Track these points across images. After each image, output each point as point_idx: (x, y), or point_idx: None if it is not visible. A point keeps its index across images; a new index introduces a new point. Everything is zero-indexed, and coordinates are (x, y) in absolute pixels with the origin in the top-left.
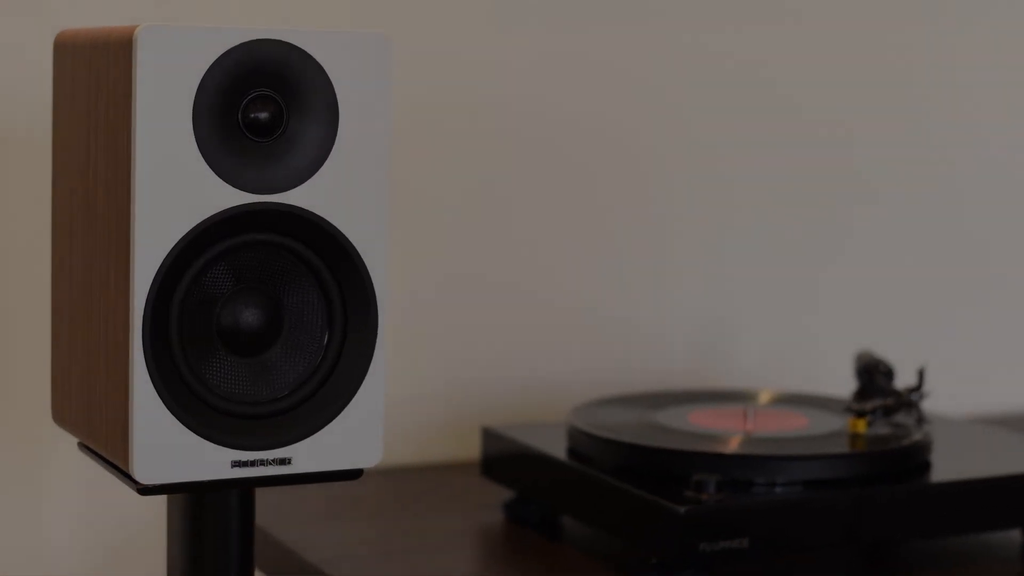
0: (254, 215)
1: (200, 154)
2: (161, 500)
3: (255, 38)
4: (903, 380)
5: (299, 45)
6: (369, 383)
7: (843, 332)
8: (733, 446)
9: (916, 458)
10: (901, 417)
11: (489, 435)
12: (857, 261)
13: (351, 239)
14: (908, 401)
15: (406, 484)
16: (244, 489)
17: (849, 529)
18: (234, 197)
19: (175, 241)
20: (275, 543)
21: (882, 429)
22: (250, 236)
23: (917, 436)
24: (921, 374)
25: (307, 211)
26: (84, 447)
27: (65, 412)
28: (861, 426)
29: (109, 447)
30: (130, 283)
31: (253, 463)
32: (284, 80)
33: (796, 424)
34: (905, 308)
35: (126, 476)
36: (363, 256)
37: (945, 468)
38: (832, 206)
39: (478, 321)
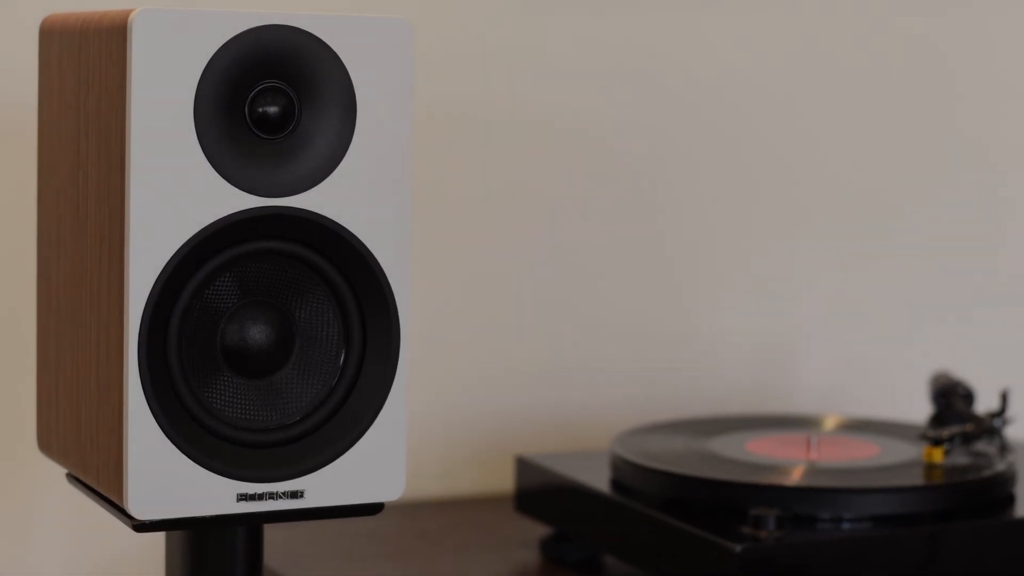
0: (262, 220)
1: (202, 153)
2: (159, 538)
3: (264, 23)
4: (984, 404)
5: (313, 31)
6: (390, 407)
7: (917, 351)
8: (795, 478)
9: (999, 490)
10: (982, 445)
11: (523, 465)
12: (931, 275)
13: (370, 247)
14: (990, 427)
15: (431, 519)
16: (251, 525)
17: (924, 570)
18: (240, 200)
19: (174, 250)
20: None
21: (961, 458)
22: (258, 244)
23: (1000, 466)
24: (1004, 397)
25: (321, 216)
26: (73, 478)
27: (52, 440)
28: (938, 455)
29: (101, 478)
30: (124, 296)
31: (261, 496)
32: (296, 70)
33: (865, 453)
34: (985, 325)
35: (120, 511)
36: (383, 266)
37: None
38: (906, 215)
39: (511, 338)
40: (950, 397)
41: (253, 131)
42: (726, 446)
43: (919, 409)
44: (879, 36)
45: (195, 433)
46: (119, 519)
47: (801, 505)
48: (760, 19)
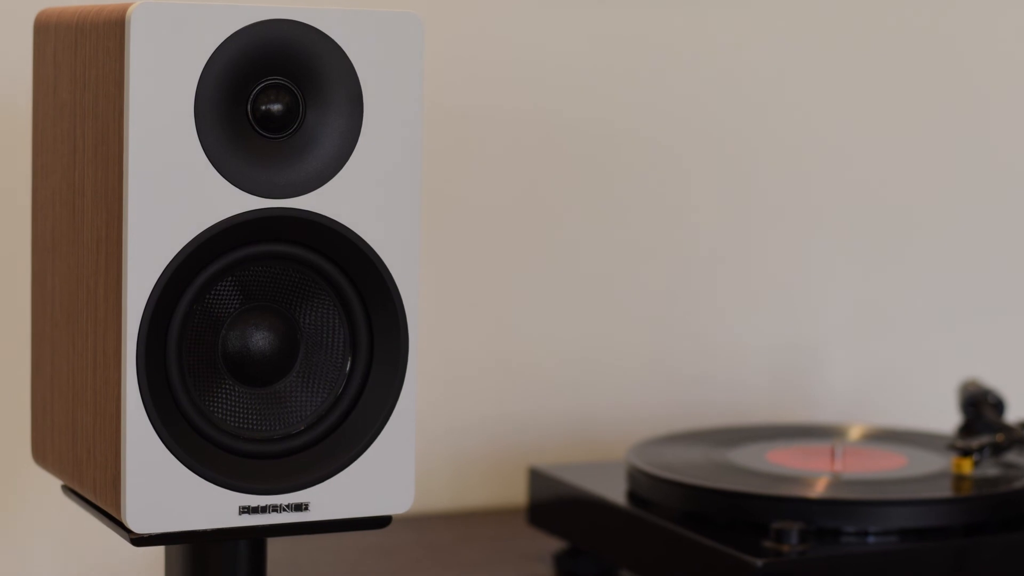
0: (265, 223)
1: (203, 152)
2: (158, 552)
3: (267, 18)
4: (1015, 413)
5: (318, 26)
6: (398, 416)
7: (945, 359)
8: (819, 490)
9: None
10: (1013, 455)
11: (537, 477)
12: (959, 280)
13: (377, 250)
14: (1021, 437)
15: (441, 533)
16: (254, 539)
17: None
18: (242, 202)
19: (174, 253)
20: None
21: (991, 470)
22: (261, 247)
23: None
24: None
25: (326, 218)
26: (69, 490)
27: (47, 451)
28: (967, 466)
29: (98, 491)
30: (122, 302)
31: (264, 509)
32: (301, 67)
33: (892, 464)
34: (1016, 331)
35: (117, 524)
36: (391, 269)
37: None
38: (932, 218)
39: (523, 345)
40: (980, 406)
41: (256, 130)
42: (747, 457)
43: (947, 418)
44: (898, 37)
45: (196, 444)
46: (117, 533)
47: (825, 518)
48: (778, 21)
